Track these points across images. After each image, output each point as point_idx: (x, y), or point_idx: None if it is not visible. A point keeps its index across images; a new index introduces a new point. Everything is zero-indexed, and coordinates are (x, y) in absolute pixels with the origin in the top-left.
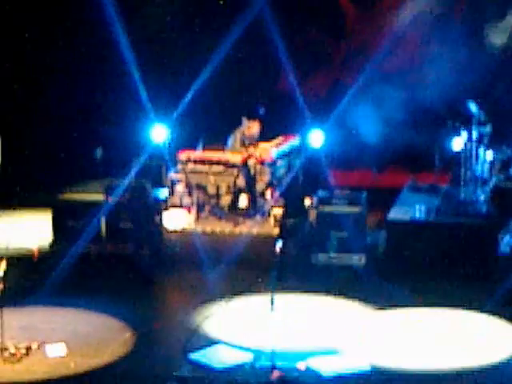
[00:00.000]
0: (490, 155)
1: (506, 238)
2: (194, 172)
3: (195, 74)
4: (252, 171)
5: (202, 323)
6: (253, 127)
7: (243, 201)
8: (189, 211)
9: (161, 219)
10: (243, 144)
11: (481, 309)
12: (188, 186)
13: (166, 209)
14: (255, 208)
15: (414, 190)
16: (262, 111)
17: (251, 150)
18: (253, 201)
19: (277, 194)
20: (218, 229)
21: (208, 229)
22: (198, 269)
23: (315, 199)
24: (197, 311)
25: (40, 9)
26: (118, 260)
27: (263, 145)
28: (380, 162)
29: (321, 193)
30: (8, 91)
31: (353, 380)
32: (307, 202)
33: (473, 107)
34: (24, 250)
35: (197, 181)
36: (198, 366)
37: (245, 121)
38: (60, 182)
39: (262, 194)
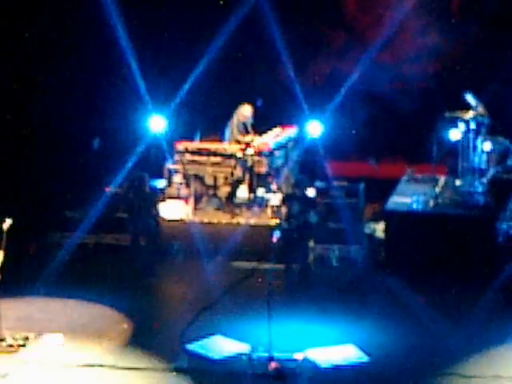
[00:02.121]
0: (487, 146)
1: (503, 228)
2: (191, 162)
3: (193, 65)
4: (249, 162)
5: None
6: (245, 110)
7: (242, 191)
8: (186, 202)
9: (158, 210)
10: (240, 132)
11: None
12: (185, 176)
13: (163, 199)
14: (253, 199)
15: (412, 181)
16: (259, 102)
17: (249, 137)
18: (251, 192)
19: (275, 185)
20: (215, 219)
21: (205, 219)
22: (195, 259)
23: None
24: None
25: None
26: (115, 250)
27: (260, 138)
28: (378, 153)
29: (318, 184)
30: (4, 81)
31: (350, 371)
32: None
33: (471, 98)
34: None
35: (194, 171)
36: (195, 356)
37: (238, 108)
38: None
39: (267, 185)
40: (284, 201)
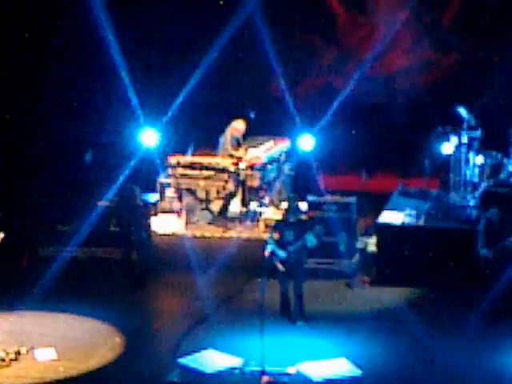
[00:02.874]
0: (479, 160)
1: (483, 254)
2: (183, 176)
3: (185, 79)
4: (242, 176)
5: None
6: (238, 125)
7: (234, 205)
8: (179, 216)
9: (150, 224)
10: (233, 146)
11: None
12: (178, 190)
13: (155, 213)
14: (246, 212)
15: (404, 195)
16: (251, 115)
17: (241, 151)
18: (243, 205)
19: (268, 198)
20: (207, 233)
21: (198, 233)
22: (187, 273)
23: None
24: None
25: (29, 16)
26: (107, 264)
27: (253, 152)
28: (370, 167)
29: (311, 197)
30: None
31: None
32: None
33: (463, 112)
34: None
35: (187, 185)
36: (187, 370)
37: (232, 123)
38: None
39: (259, 199)
40: (276, 228)
